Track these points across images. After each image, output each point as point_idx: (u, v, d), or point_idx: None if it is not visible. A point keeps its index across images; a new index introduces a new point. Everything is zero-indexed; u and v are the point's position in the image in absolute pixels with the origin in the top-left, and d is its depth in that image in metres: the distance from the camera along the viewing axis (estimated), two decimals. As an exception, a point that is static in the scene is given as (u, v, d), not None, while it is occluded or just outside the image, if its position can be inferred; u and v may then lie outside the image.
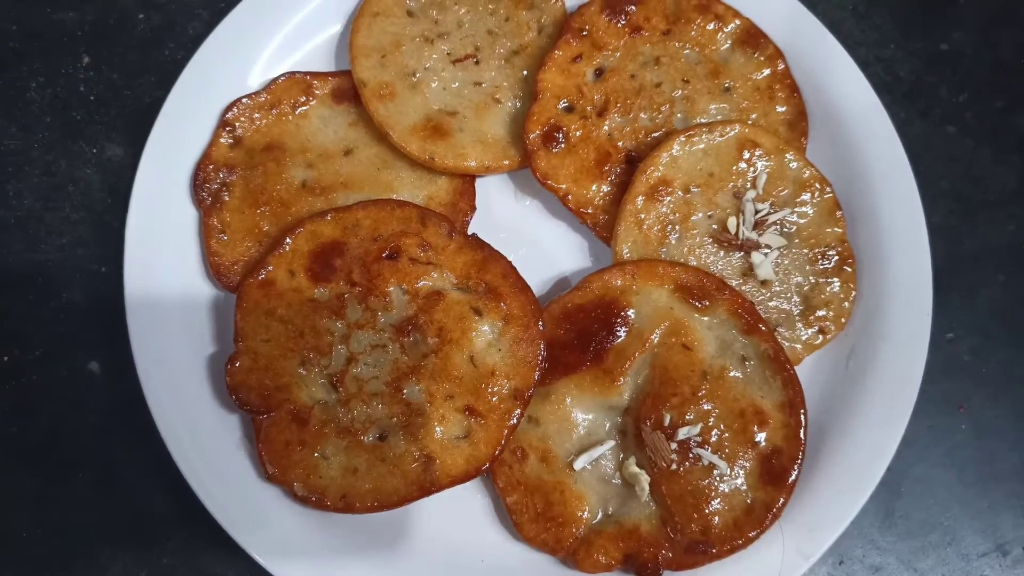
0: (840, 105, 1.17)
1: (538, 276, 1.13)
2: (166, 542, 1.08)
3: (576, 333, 1.05)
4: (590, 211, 1.12)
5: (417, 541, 1.04)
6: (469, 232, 1.09)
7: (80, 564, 1.08)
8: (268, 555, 0.99)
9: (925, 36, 1.32)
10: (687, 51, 1.16)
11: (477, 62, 1.17)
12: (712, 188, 1.11)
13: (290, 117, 1.14)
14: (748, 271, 1.10)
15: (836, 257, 1.11)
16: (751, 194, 1.10)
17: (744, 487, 1.02)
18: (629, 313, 1.05)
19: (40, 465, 1.10)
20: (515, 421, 1.00)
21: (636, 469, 1.01)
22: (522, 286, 1.04)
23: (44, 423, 1.11)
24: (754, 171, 1.11)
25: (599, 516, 1.03)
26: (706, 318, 1.05)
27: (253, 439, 1.02)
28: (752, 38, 1.17)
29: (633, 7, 1.16)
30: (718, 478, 1.01)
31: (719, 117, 1.15)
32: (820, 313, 1.09)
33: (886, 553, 1.13)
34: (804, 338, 1.09)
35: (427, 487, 0.98)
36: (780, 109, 1.16)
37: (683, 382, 1.03)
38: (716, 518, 1.00)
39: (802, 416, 1.03)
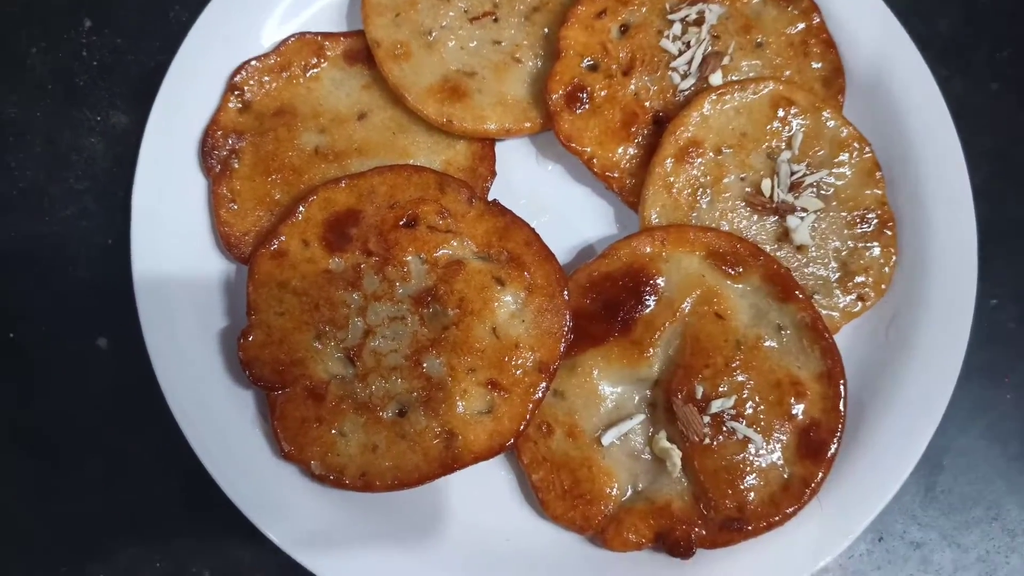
0: (878, 61, 1.12)
1: (562, 244, 1.10)
2: (179, 526, 1.07)
3: (603, 303, 1.02)
4: (616, 175, 1.08)
5: (439, 520, 1.02)
6: (489, 198, 1.06)
7: (89, 552, 1.06)
8: (286, 536, 0.97)
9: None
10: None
11: (496, 19, 1.13)
12: (745, 149, 1.06)
13: (301, 80, 1.11)
14: (783, 236, 1.06)
15: (876, 220, 1.06)
16: (786, 155, 1.06)
17: (781, 462, 0.99)
18: (658, 281, 1.02)
19: (46, 447, 1.09)
20: (540, 395, 0.98)
21: (667, 444, 0.99)
22: (546, 254, 1.01)
23: (50, 403, 1.10)
24: (789, 131, 1.07)
25: (628, 493, 1.00)
26: (739, 285, 1.02)
27: (268, 416, 1.00)
28: (785, -10, 1.12)
29: (660, -41, 1.11)
30: (753, 452, 0.98)
31: (751, 74, 1.10)
32: (859, 279, 1.05)
33: (928, 529, 1.10)
34: (842, 305, 1.05)
35: (449, 464, 0.96)
36: (815, 65, 1.11)
37: (716, 353, 1.00)
38: (751, 494, 0.98)
39: (841, 387, 1.00)
